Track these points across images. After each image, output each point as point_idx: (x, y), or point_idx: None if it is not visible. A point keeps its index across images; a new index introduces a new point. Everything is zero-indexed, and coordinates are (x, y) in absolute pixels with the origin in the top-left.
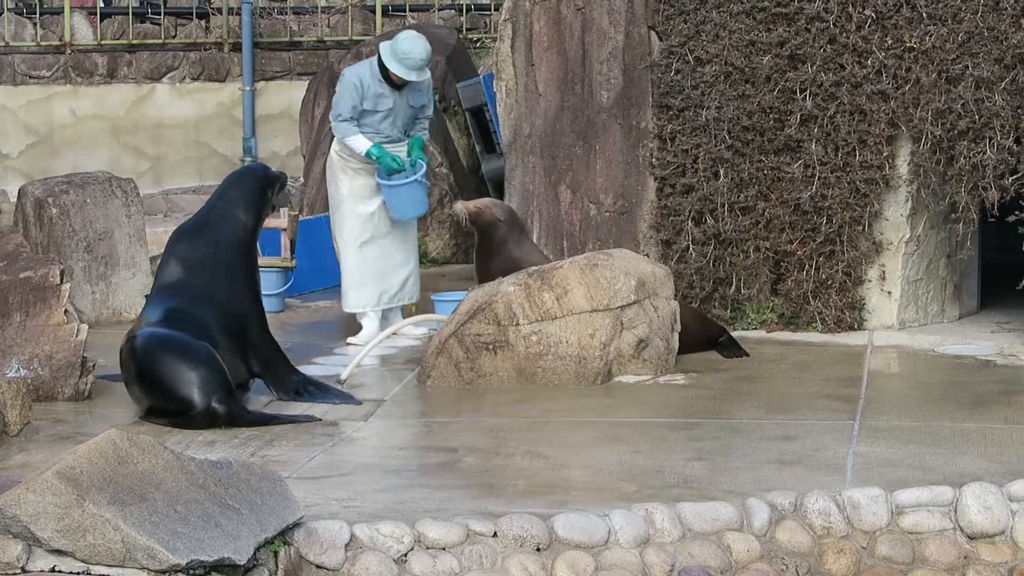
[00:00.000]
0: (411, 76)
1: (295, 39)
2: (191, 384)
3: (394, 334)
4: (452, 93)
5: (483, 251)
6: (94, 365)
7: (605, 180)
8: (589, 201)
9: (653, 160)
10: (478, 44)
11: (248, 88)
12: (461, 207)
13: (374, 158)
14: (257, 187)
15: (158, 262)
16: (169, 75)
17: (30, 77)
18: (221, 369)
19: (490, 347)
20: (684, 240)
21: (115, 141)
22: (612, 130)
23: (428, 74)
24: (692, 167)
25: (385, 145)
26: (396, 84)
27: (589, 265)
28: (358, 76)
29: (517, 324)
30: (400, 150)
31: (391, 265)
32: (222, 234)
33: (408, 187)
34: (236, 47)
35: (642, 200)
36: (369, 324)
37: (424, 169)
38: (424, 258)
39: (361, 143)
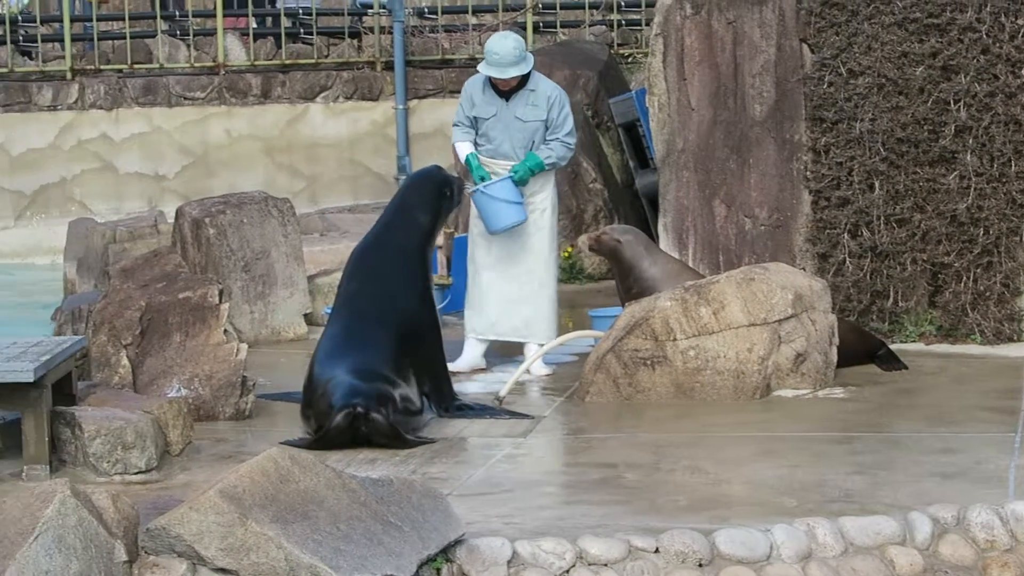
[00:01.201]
0: (494, 72)
1: (447, 57)
2: (335, 394)
3: (559, 345)
4: (604, 108)
5: (619, 276)
6: (254, 384)
7: (760, 194)
8: (744, 215)
9: (807, 173)
10: (629, 59)
11: (401, 106)
12: (585, 239)
13: (469, 167)
14: (434, 188)
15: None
16: (322, 95)
17: (184, 98)
18: (374, 384)
19: (648, 362)
20: (840, 253)
21: (270, 161)
22: (766, 143)
23: (514, 73)
24: (847, 179)
25: (493, 159)
26: (502, 92)
27: (746, 279)
28: (471, 82)
29: (674, 339)
30: (507, 166)
31: (507, 297)
32: (402, 240)
33: (486, 197)
34: (388, 66)
35: (797, 213)
36: (468, 351)
37: (485, 186)
38: (580, 274)
39: (463, 149)
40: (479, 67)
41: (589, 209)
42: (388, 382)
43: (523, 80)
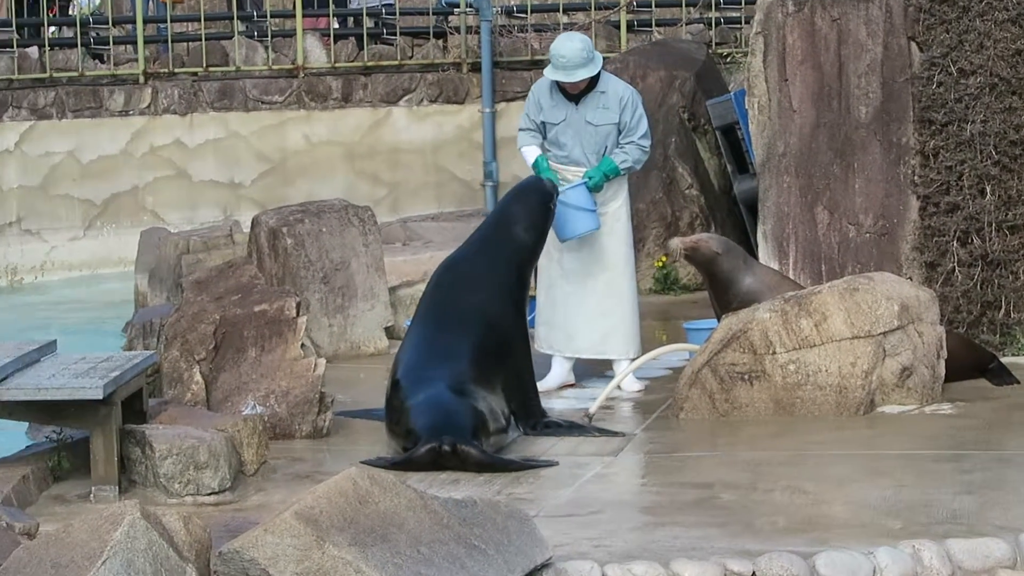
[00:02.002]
0: (561, 76)
1: (536, 58)
2: (421, 418)
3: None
4: (702, 111)
5: (715, 288)
6: (332, 401)
7: (864, 200)
8: (848, 222)
9: (915, 178)
10: (728, 59)
11: (488, 110)
12: (677, 243)
13: (538, 171)
14: (540, 201)
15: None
16: (406, 98)
17: (262, 103)
18: (464, 409)
19: (746, 377)
20: (949, 262)
21: (350, 167)
22: (871, 147)
23: (583, 75)
24: (957, 184)
25: (564, 166)
26: (570, 96)
27: (849, 289)
28: (537, 86)
29: (774, 353)
30: (579, 172)
31: (582, 311)
32: (501, 253)
33: (559, 203)
34: (475, 67)
35: (904, 220)
36: (555, 368)
37: (583, 182)
38: (674, 285)
39: (530, 154)
40: (545, 71)
41: (684, 216)
42: (477, 400)
43: (592, 82)
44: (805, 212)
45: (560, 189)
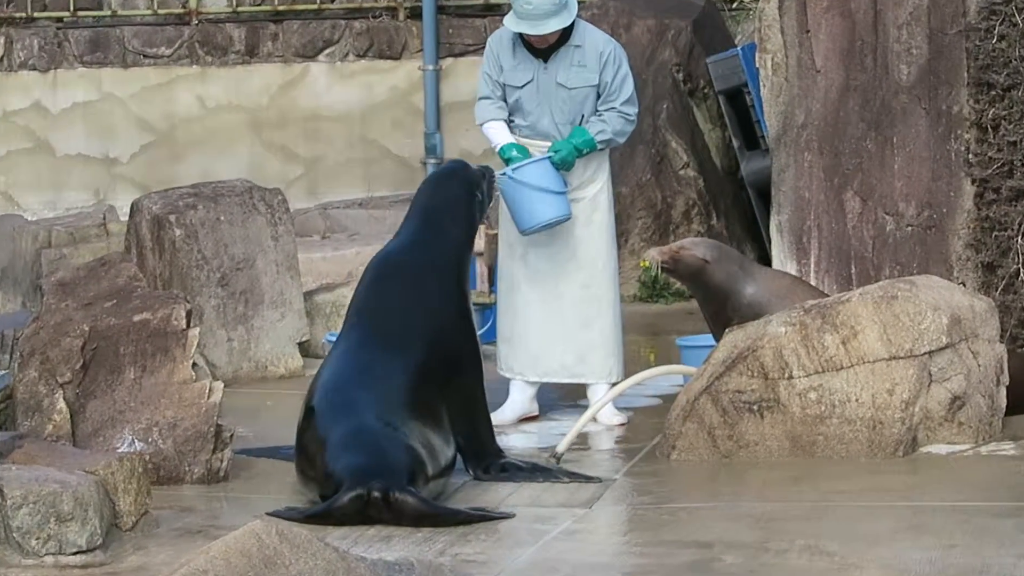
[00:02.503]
0: (526, 28)
1: (491, 3)
2: (343, 458)
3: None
4: (700, 70)
5: (709, 304)
6: (232, 436)
7: (906, 184)
8: (884, 212)
9: (970, 156)
10: (735, 6)
11: (431, 67)
12: (655, 255)
13: (505, 161)
14: (462, 188)
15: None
16: (327, 52)
17: (144, 56)
18: (398, 446)
19: (754, 408)
20: (1012, 263)
21: (256, 139)
22: (914, 117)
23: (554, 26)
24: (1022, 165)
25: (530, 140)
26: (537, 51)
27: (886, 297)
28: (495, 40)
29: (790, 377)
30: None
31: (552, 324)
32: (429, 255)
33: (515, 185)
34: (415, 13)
35: (955, 210)
36: (514, 395)
37: (513, 169)
38: (665, 291)
39: (497, 134)
40: (505, 21)
41: (678, 204)
42: (415, 435)
43: (564, 34)
44: (831, 199)
45: (518, 166)
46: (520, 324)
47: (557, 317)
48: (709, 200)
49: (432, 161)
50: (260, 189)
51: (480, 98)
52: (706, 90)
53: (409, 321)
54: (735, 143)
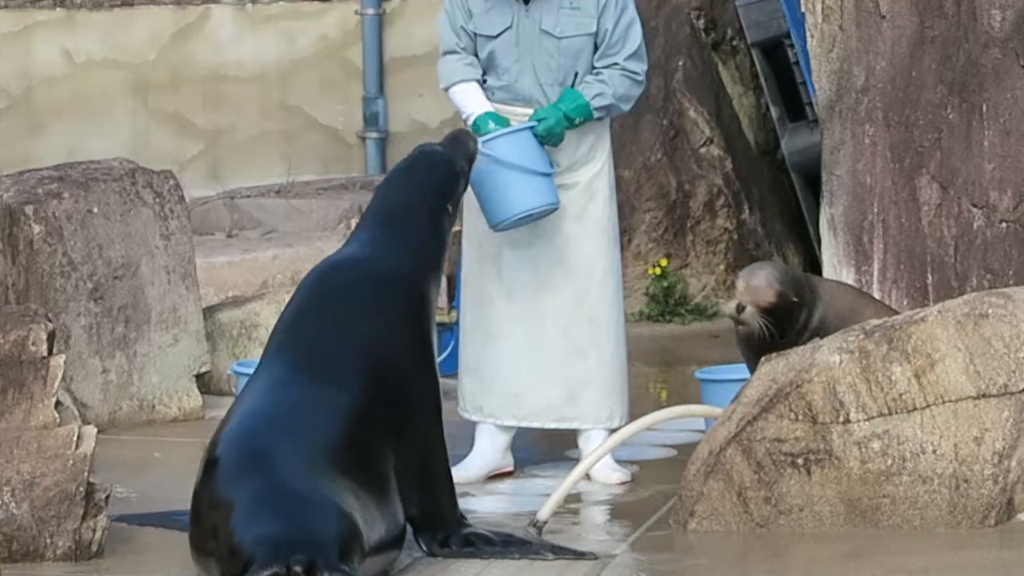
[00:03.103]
0: None
1: None
2: (254, 526)
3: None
4: (727, 16)
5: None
6: (107, 497)
7: (999, 166)
8: (971, 203)
9: None
10: None
11: (371, 11)
12: (748, 311)
13: (477, 131)
14: (441, 184)
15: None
16: None
17: None
18: (327, 511)
19: (799, 461)
20: None
21: (141, 106)
22: (1010, 78)
23: None
24: None
25: (506, 105)
26: None
27: (972, 316)
28: None
29: (846, 421)
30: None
31: (536, 353)
32: (385, 269)
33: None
34: None
35: None
36: (483, 444)
37: (484, 140)
38: (682, 305)
39: (469, 100)
40: None
41: (699, 191)
42: (350, 496)
43: None
44: (900, 185)
45: (489, 136)
46: (492, 351)
47: (541, 342)
48: (739, 187)
49: (373, 135)
50: (146, 172)
51: (444, 53)
52: (735, 42)
53: (349, 350)
54: (773, 112)
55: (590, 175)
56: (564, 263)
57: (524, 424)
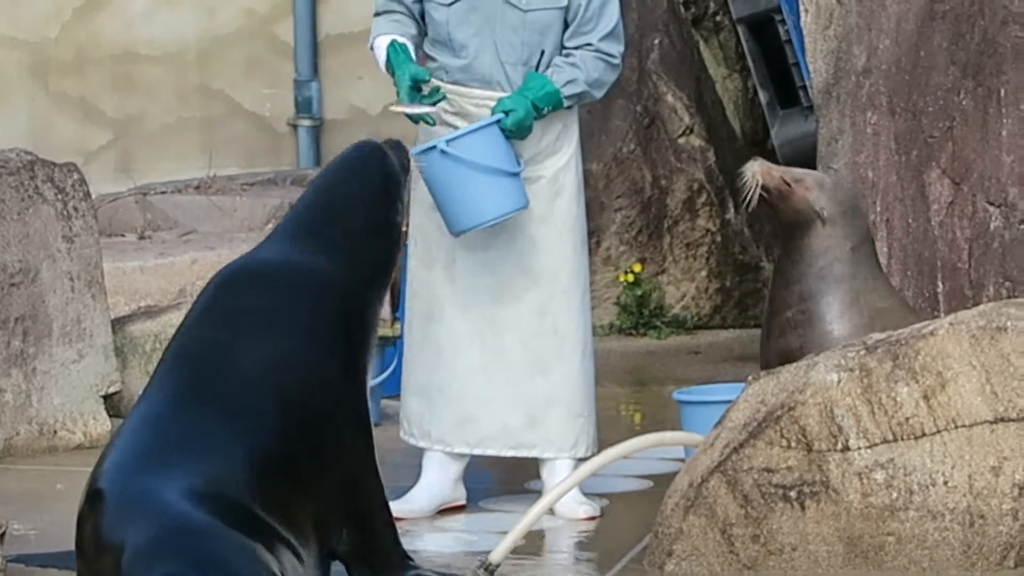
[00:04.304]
0: None
1: None
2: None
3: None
4: None
5: (785, 272)
6: (2, 535)
7: (1019, 159)
8: (987, 201)
9: None
10: None
11: None
12: (758, 171)
13: (395, 73)
14: (377, 184)
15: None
16: None
17: None
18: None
19: (791, 494)
20: None
21: (40, 89)
22: None
23: None
24: None
25: (463, 87)
26: None
27: (989, 329)
28: None
29: (845, 448)
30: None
31: (493, 371)
32: (311, 266)
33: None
34: None
35: None
36: (430, 475)
37: (449, 139)
38: (659, 316)
39: (382, 48)
40: None
41: (677, 188)
42: (264, 533)
43: None
44: (906, 179)
45: (455, 136)
46: (443, 368)
47: (498, 357)
48: (723, 183)
49: (306, 123)
50: (46, 164)
51: (377, 14)
52: (718, 17)
53: (257, 373)
54: (762, 97)
55: (555, 169)
56: (526, 268)
57: (478, 452)
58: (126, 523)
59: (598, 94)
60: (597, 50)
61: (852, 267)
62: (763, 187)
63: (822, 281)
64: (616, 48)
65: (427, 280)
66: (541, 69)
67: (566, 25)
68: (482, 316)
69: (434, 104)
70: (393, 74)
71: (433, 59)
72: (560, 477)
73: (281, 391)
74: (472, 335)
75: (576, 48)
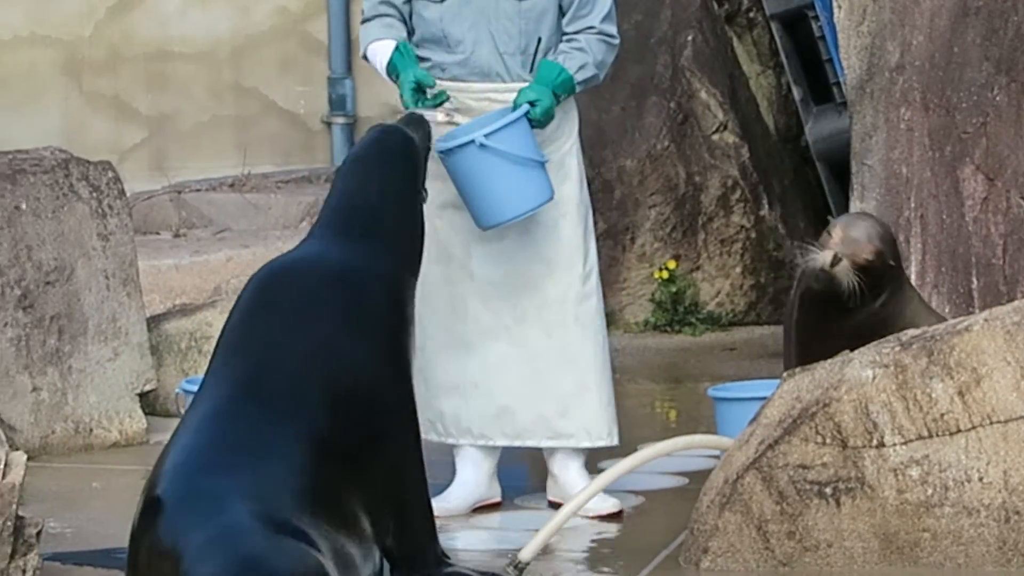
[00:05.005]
0: None
1: None
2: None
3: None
4: None
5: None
6: (39, 533)
7: None
8: (1021, 196)
9: None
10: None
11: None
12: (843, 266)
13: (398, 78)
14: (407, 170)
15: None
16: None
17: None
18: (288, 552)
19: (827, 490)
20: None
21: (75, 88)
22: None
23: None
24: None
25: (461, 82)
26: None
27: (1022, 324)
28: None
29: (880, 444)
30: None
31: (519, 363)
32: (350, 268)
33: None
34: None
35: None
36: (465, 474)
37: (524, 113)
38: (694, 312)
39: (383, 51)
40: None
41: (711, 184)
42: (316, 534)
43: None
44: (940, 176)
45: (492, 129)
46: (475, 363)
47: (525, 349)
48: (757, 179)
49: (340, 120)
50: (81, 163)
51: (365, 20)
52: (752, 14)
53: (307, 369)
54: (796, 93)
55: (561, 153)
56: (543, 256)
57: (517, 444)
58: (183, 527)
59: (602, 77)
60: (600, 32)
61: (910, 297)
62: (855, 271)
63: (897, 315)
64: (615, 29)
65: (444, 277)
66: (538, 56)
67: (560, 10)
68: (505, 308)
69: (438, 106)
70: (396, 78)
71: (425, 59)
72: (573, 475)
73: (333, 387)
74: (498, 328)
75: (578, 32)
